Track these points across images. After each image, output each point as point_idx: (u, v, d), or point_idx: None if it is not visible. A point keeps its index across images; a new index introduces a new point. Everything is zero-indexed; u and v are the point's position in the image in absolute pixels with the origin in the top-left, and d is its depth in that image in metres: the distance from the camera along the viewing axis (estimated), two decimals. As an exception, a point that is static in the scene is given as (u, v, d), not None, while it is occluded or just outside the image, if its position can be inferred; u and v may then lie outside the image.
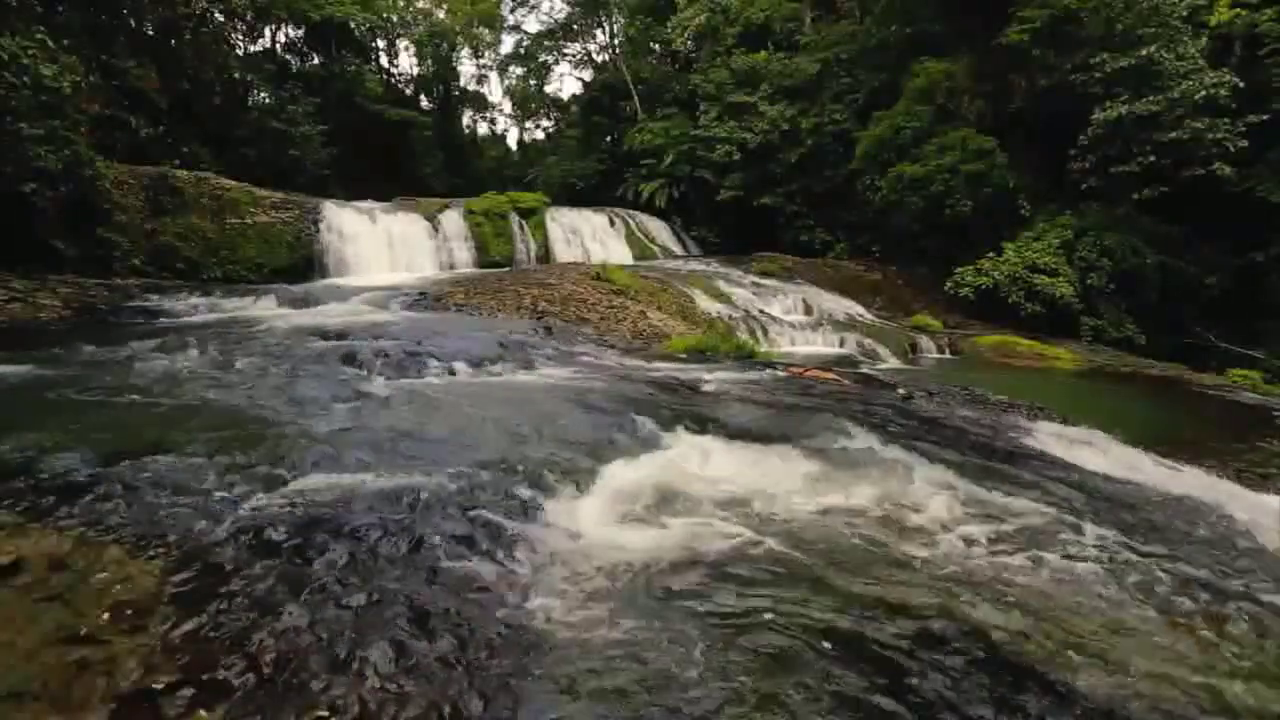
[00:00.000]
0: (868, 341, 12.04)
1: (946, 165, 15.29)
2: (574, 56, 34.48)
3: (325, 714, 1.79)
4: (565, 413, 4.80)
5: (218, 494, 2.99)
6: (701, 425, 4.51)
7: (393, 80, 33.17)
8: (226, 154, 18.33)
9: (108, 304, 8.74)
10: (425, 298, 10.40)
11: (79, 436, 3.57)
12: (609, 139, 28.24)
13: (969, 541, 3.06)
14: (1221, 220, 14.21)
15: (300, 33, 25.86)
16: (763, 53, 21.61)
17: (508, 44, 37.11)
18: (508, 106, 41.05)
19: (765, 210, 20.54)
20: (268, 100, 22.86)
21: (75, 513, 2.70)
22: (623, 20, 30.33)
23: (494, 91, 41.21)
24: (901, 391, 6.51)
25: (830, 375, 7.12)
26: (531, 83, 37.84)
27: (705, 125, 21.61)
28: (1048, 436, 5.11)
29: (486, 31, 35.99)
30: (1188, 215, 14.31)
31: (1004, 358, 11.94)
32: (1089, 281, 13.72)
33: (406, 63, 36.72)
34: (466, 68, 38.10)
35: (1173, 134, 13.22)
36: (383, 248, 14.63)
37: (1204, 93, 13.01)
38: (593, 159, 28.14)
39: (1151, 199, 13.78)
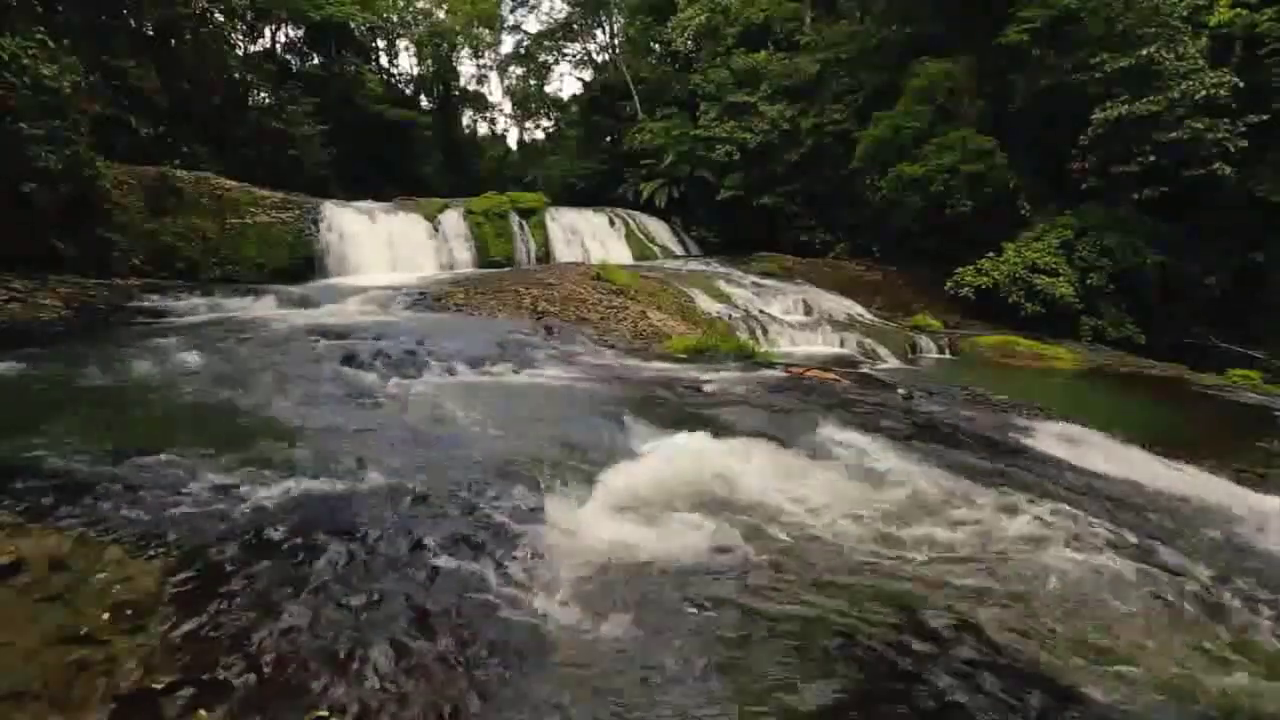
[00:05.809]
0: (868, 341, 12.02)
1: (946, 165, 15.26)
2: (574, 56, 34.49)
3: (325, 714, 1.79)
4: (565, 413, 4.80)
5: (218, 494, 2.99)
6: (701, 426, 4.50)
7: (393, 80, 33.11)
8: (226, 154, 18.30)
9: (108, 304, 8.73)
10: (425, 298, 10.39)
11: (79, 436, 3.57)
12: (609, 139, 28.20)
13: (970, 541, 3.06)
14: (1221, 220, 14.20)
15: (300, 33, 25.82)
16: (763, 53, 21.58)
17: (508, 44, 37.09)
18: (508, 106, 41.00)
19: (765, 210, 20.51)
20: (268, 100, 22.79)
21: (75, 513, 2.70)
22: (623, 20, 30.29)
23: (494, 91, 41.15)
24: (902, 392, 6.51)
25: (830, 375, 7.11)
26: (531, 83, 37.82)
27: (705, 125, 21.57)
28: (1048, 436, 5.11)
29: (486, 31, 35.94)
30: (1188, 215, 14.29)
31: (1004, 358, 11.92)
32: (1089, 281, 13.71)
33: (406, 63, 36.68)
34: (466, 68, 38.05)
35: (1173, 134, 13.20)
36: (383, 248, 14.60)
37: (1204, 93, 13.00)
38: (593, 159, 28.11)
39: (1151, 199, 13.75)
